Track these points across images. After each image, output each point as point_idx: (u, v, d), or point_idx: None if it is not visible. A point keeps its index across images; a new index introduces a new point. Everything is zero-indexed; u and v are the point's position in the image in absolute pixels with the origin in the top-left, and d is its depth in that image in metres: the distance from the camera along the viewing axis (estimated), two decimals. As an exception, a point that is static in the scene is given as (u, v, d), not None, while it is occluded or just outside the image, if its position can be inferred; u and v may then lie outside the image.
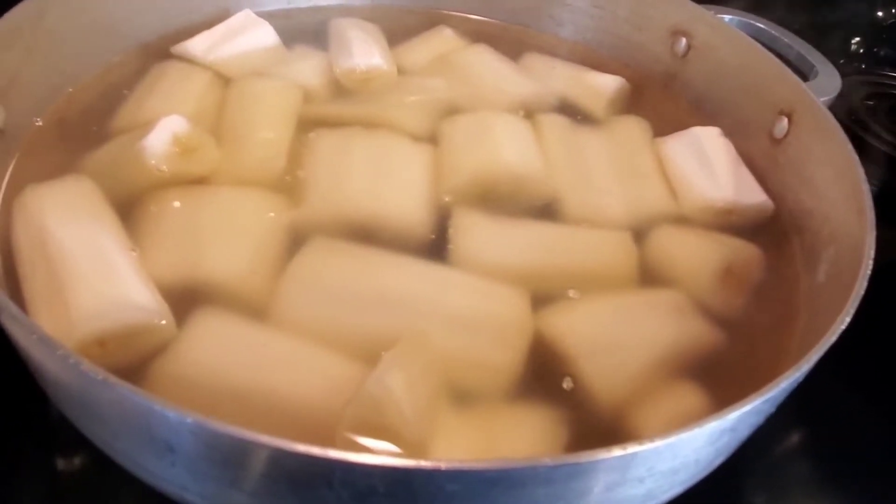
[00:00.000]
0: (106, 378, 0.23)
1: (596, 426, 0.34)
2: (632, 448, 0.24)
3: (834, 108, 0.45)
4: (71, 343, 0.31)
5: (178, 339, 0.33)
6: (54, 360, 0.26)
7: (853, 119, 0.69)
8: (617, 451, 0.24)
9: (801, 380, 0.29)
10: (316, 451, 0.22)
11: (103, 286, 0.33)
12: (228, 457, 0.24)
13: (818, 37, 0.56)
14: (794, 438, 0.45)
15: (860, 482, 0.43)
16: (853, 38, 0.84)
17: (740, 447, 0.32)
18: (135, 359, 0.33)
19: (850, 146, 0.41)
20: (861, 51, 0.83)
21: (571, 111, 0.52)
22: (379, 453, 0.26)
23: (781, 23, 0.56)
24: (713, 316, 0.39)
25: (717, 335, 0.39)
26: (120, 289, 0.33)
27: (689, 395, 0.36)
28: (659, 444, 0.24)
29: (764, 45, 0.51)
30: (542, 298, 0.38)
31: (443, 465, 0.22)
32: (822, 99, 0.46)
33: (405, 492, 0.24)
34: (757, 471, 0.42)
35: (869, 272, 0.33)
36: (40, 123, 0.45)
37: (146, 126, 0.42)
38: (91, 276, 0.33)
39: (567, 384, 0.35)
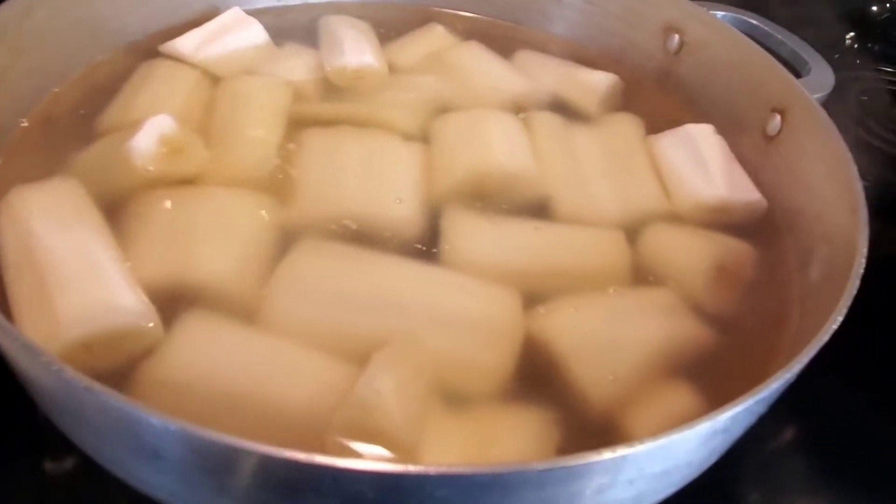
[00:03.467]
0: (90, 385, 0.23)
1: (588, 427, 0.34)
2: (622, 451, 0.24)
3: (827, 104, 0.45)
4: (57, 347, 0.31)
5: (166, 342, 0.33)
6: (38, 367, 0.26)
7: (848, 115, 0.68)
8: (607, 454, 0.24)
9: (793, 379, 0.29)
10: (302, 457, 0.22)
11: (89, 289, 0.33)
12: (215, 463, 0.24)
13: (811, 32, 0.56)
14: (788, 434, 0.45)
15: (854, 477, 0.43)
16: (847, 34, 0.84)
17: (734, 444, 0.32)
18: (122, 362, 0.32)
19: (843, 143, 0.41)
20: (855, 46, 0.83)
21: (564, 109, 0.52)
22: (367, 459, 0.26)
23: (774, 19, 0.56)
24: (705, 315, 0.39)
25: (710, 334, 0.38)
26: (106, 292, 0.33)
27: (681, 396, 0.35)
28: (649, 445, 0.24)
29: (757, 41, 0.51)
30: (534, 298, 0.38)
31: (431, 471, 0.22)
32: (815, 95, 0.45)
33: (394, 498, 0.23)
34: (751, 467, 0.42)
35: (861, 271, 0.33)
36: (26, 124, 0.45)
37: (133, 126, 0.42)
38: (77, 280, 0.33)
39: (559, 385, 0.35)
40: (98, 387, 0.23)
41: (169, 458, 0.24)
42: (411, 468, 0.22)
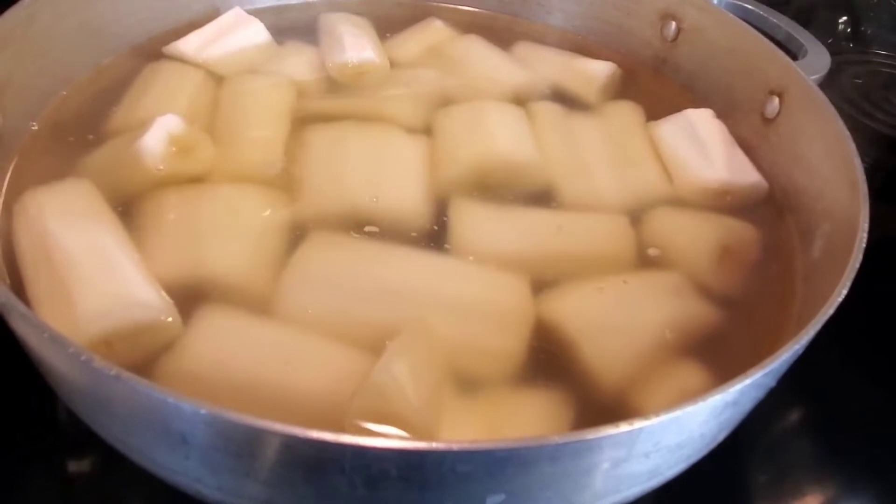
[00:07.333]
0: (119, 373, 0.24)
1: (599, 407, 0.34)
2: (638, 423, 0.24)
3: (823, 87, 0.46)
4: (79, 343, 0.31)
5: (185, 335, 0.34)
6: (65, 358, 0.26)
7: (843, 98, 0.69)
8: (624, 427, 0.24)
9: (800, 352, 0.30)
10: (328, 436, 0.23)
11: (108, 286, 0.33)
12: (242, 446, 0.24)
13: (806, 17, 0.56)
14: (795, 416, 0.45)
15: (862, 457, 0.43)
16: (840, 18, 0.84)
17: (742, 426, 0.33)
18: (142, 357, 0.33)
19: (840, 121, 0.41)
20: (849, 30, 0.84)
21: (564, 98, 0.53)
22: (390, 437, 0.26)
23: (769, 3, 0.56)
24: (712, 295, 0.40)
25: (716, 314, 0.39)
26: (125, 288, 0.34)
27: (690, 374, 0.36)
28: (664, 418, 0.25)
29: (753, 25, 0.51)
30: (542, 284, 0.39)
31: (454, 446, 0.23)
32: (811, 77, 0.46)
33: (417, 474, 0.24)
34: (759, 451, 0.42)
35: (864, 245, 0.33)
36: (36, 127, 0.45)
37: (142, 126, 0.42)
38: (95, 277, 0.34)
39: (570, 368, 0.35)
40: (127, 375, 0.24)
41: (196, 443, 0.25)
42: (435, 445, 0.23)
